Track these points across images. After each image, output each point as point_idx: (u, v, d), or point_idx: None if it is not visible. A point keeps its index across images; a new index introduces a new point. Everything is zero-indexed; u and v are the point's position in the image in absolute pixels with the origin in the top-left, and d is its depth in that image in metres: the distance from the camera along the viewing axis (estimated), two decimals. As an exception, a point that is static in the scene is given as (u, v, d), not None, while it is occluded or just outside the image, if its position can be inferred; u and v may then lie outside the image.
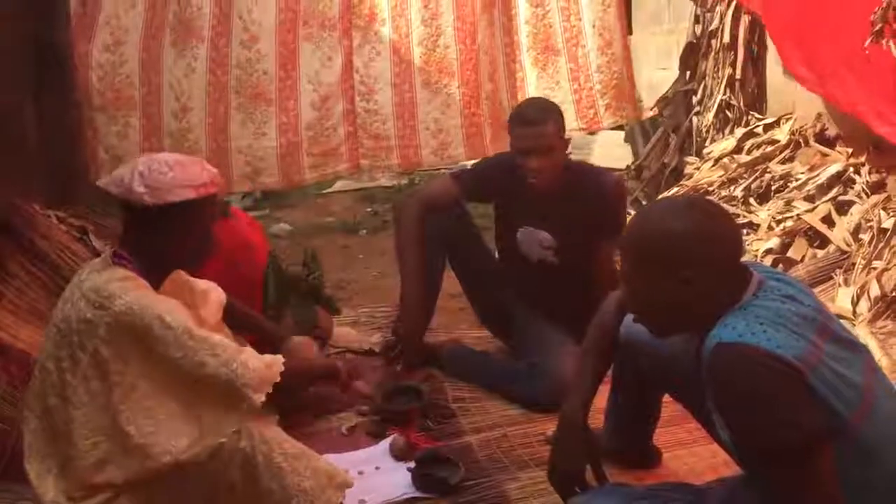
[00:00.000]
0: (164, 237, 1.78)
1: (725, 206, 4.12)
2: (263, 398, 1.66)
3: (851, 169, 3.82)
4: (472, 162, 3.59)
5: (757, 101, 4.97)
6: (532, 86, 4.89)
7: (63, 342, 1.71)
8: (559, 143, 2.66)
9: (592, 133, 5.95)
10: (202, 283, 2.12)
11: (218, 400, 1.65)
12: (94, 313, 1.67)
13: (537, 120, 2.62)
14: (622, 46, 4.99)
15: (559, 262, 2.79)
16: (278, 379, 1.69)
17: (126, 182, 1.70)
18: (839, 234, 3.49)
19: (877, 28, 2.97)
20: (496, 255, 3.05)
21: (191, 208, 1.75)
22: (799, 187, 3.97)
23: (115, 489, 1.69)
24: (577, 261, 2.74)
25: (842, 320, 2.82)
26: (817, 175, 3.94)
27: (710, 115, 5.05)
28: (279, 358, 1.76)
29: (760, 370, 1.38)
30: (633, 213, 3.16)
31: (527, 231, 2.81)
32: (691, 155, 5.12)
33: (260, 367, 1.69)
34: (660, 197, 4.73)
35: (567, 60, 4.90)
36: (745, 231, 3.89)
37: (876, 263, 3.15)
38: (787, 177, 4.14)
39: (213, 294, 2.15)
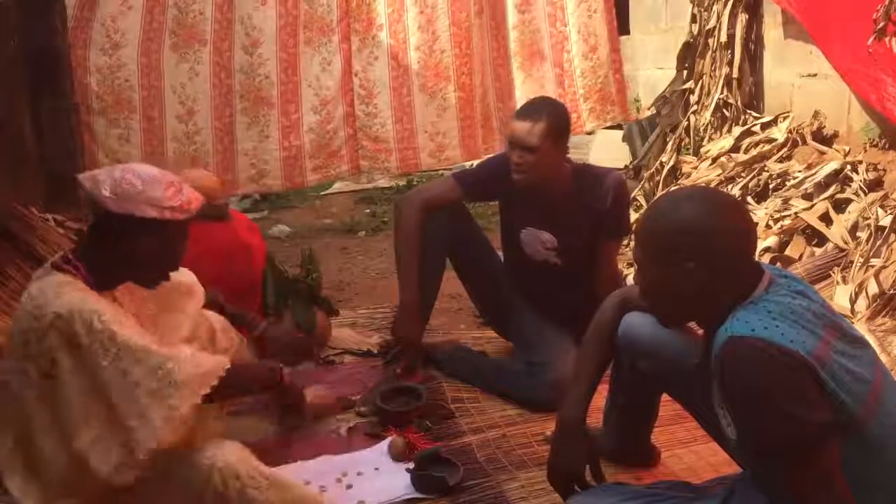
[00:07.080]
0: (118, 247, 1.72)
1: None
2: (190, 407, 1.61)
3: (849, 167, 3.82)
4: (470, 163, 3.58)
5: (754, 99, 4.98)
6: (519, 90, 4.92)
7: (14, 355, 1.67)
8: (546, 146, 2.59)
9: (590, 133, 5.97)
10: (181, 276, 2.01)
11: (145, 411, 1.59)
12: (31, 324, 1.63)
13: (527, 117, 2.61)
14: (609, 50, 5.02)
15: (562, 263, 2.79)
16: (214, 382, 1.64)
17: (98, 182, 1.67)
18: (837, 231, 3.49)
19: (880, 26, 2.97)
20: (500, 254, 3.05)
21: (151, 227, 1.69)
22: (796, 186, 3.97)
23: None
24: (580, 261, 2.73)
25: (840, 318, 2.84)
26: (815, 173, 3.94)
27: (707, 114, 5.05)
28: (221, 361, 1.70)
29: (773, 364, 1.38)
30: (633, 212, 3.16)
31: (530, 232, 2.80)
32: (689, 154, 5.12)
33: (192, 374, 1.63)
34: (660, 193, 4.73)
35: (553, 65, 4.94)
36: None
37: (874, 261, 3.16)
38: (784, 175, 4.15)
39: (195, 289, 2.11)
